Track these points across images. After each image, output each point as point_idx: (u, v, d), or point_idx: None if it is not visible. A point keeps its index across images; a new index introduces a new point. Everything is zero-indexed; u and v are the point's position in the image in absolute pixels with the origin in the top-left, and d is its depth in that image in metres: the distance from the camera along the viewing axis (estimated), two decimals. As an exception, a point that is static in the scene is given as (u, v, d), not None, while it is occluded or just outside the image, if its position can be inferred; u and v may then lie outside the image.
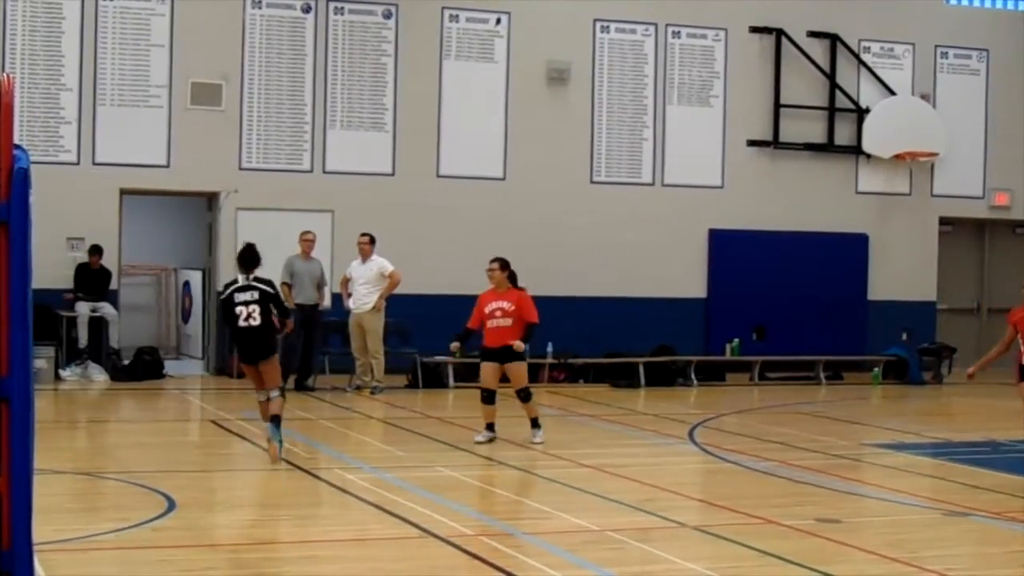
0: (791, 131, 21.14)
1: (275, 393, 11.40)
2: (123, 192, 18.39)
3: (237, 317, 11.29)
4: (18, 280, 4.41)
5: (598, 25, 20.28)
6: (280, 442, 11.24)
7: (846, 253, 21.41)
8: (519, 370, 12.57)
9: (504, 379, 12.63)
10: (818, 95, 21.33)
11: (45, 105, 17.88)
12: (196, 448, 13.04)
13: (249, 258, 11.48)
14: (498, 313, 12.42)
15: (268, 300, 11.39)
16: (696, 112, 20.70)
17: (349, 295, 17.30)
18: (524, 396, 12.57)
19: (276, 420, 11.26)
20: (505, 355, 12.43)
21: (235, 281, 11.48)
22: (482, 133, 19.64)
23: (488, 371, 12.53)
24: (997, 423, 14.49)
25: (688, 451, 12.82)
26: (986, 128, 22.33)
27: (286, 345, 17.54)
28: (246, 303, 11.30)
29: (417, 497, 9.69)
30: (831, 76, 21.30)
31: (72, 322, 17.65)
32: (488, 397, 12.44)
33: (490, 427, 12.50)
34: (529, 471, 10.99)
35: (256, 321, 11.28)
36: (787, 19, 21.04)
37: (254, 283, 11.42)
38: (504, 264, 12.67)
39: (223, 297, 11.63)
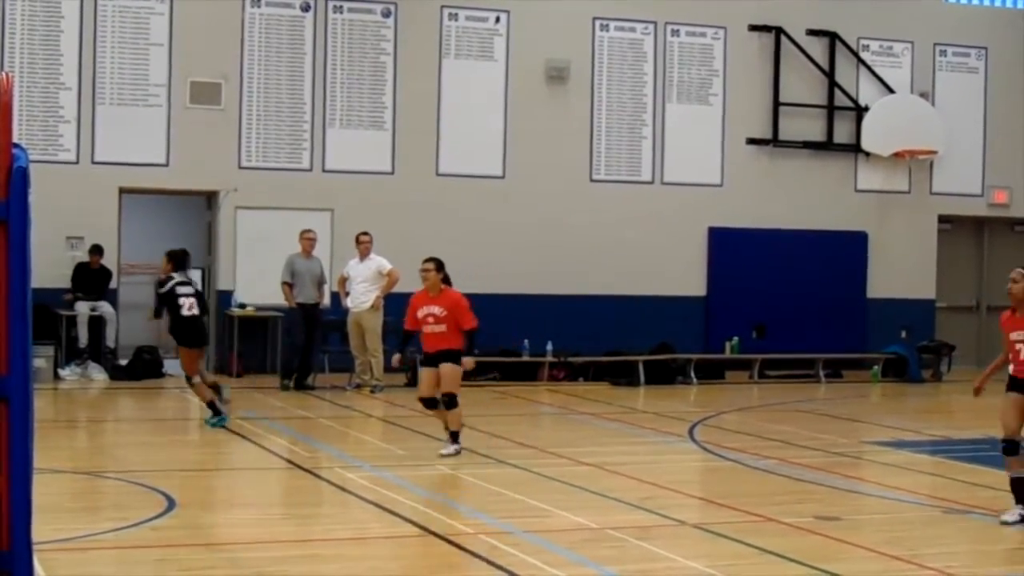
0: (790, 129, 21.14)
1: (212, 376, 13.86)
2: (122, 191, 18.39)
3: (181, 307, 13.27)
4: (17, 279, 4.40)
5: (597, 23, 20.28)
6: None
7: (845, 251, 21.41)
8: (450, 372, 11.67)
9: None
10: (817, 93, 21.33)
11: (44, 104, 17.88)
12: (196, 447, 13.03)
13: (185, 259, 13.70)
14: (430, 320, 11.64)
15: (199, 295, 13.62)
16: (695, 110, 20.70)
17: (347, 294, 17.30)
18: (449, 402, 11.68)
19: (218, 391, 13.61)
20: (441, 357, 11.69)
21: (171, 278, 13.45)
22: (481, 132, 19.64)
23: (425, 377, 11.78)
24: (996, 421, 14.45)
25: (688, 449, 12.83)
26: (985, 126, 22.32)
27: (288, 344, 17.61)
28: (187, 295, 13.35)
29: (417, 496, 9.70)
30: (830, 74, 21.30)
31: (72, 321, 17.66)
32: (428, 404, 11.79)
33: (455, 437, 11.70)
34: (529, 469, 10.99)
35: (196, 311, 13.38)
36: (786, 17, 21.04)
37: (189, 281, 13.61)
38: (440, 265, 11.82)
39: (165, 291, 13.48)
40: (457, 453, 11.64)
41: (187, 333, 13.37)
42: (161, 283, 13.55)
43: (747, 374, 19.97)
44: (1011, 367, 9.12)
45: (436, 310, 11.67)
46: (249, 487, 10.72)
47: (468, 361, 11.83)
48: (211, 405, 13.37)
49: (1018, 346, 8.99)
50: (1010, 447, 9.13)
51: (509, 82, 19.78)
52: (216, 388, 13.64)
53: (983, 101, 22.32)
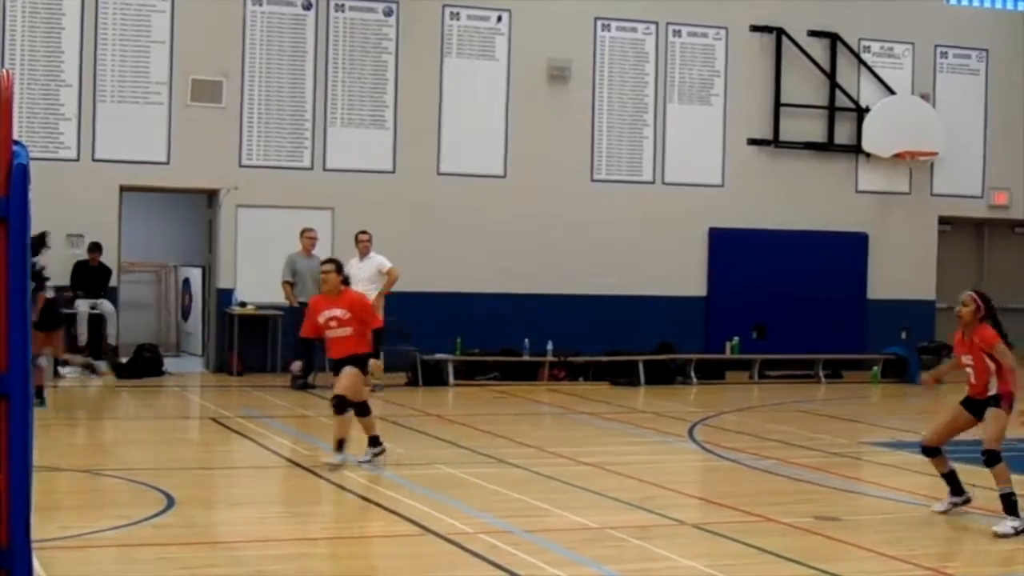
0: (791, 130, 21.14)
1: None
2: (123, 189, 18.39)
3: (44, 291, 14.14)
4: (17, 277, 4.40)
5: (599, 23, 20.27)
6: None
7: (846, 252, 21.41)
8: (348, 377, 10.98)
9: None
10: (818, 94, 21.33)
11: (45, 101, 17.88)
12: (196, 445, 13.04)
13: (38, 245, 14.25)
14: (333, 323, 11.00)
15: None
16: (696, 111, 20.70)
17: (348, 292, 17.27)
18: (359, 410, 11.07)
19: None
20: (347, 362, 11.04)
21: (35, 263, 13.92)
22: (483, 131, 19.64)
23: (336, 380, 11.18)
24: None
25: (688, 449, 12.83)
26: (985, 128, 22.33)
27: (296, 343, 17.52)
28: (46, 279, 14.28)
29: (417, 495, 9.69)
30: (831, 75, 21.30)
31: (72, 319, 17.64)
32: (338, 406, 11.00)
33: (340, 446, 10.99)
34: (528, 469, 10.99)
35: (52, 294, 14.44)
36: (787, 18, 21.04)
37: (36, 264, 14.15)
38: (339, 267, 11.21)
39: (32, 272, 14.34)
40: (379, 454, 11.14)
41: (47, 317, 14.06)
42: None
43: (747, 374, 19.98)
44: (966, 387, 9.28)
45: (339, 312, 11.05)
46: (249, 485, 10.72)
47: (376, 363, 11.22)
48: (39, 390, 14.08)
49: (968, 369, 9.15)
50: (929, 451, 9.41)
51: (510, 81, 19.78)
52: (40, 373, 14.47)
53: (984, 103, 22.32)
